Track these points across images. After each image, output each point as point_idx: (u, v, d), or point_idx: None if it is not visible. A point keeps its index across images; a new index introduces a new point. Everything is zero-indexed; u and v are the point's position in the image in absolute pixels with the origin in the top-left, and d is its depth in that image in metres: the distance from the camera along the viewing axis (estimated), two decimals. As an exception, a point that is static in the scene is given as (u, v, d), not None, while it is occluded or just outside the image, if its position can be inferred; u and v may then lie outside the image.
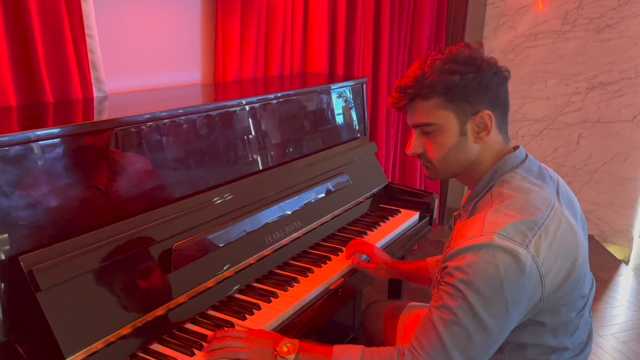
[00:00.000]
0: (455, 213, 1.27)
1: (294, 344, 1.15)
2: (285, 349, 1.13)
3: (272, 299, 1.43)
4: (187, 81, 1.95)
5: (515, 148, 1.17)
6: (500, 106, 1.14)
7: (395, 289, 2.13)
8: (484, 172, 1.15)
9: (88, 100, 1.52)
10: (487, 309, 1.00)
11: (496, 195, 1.10)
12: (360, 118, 2.23)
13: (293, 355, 1.12)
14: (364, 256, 1.66)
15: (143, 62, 1.79)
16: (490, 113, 1.11)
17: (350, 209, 1.98)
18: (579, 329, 1.14)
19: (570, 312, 1.10)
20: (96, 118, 1.36)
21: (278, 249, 1.63)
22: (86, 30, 1.46)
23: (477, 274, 1.00)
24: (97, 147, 1.26)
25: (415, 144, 1.19)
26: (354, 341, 2.26)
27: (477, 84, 1.10)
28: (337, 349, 1.14)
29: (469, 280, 1.01)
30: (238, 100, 1.67)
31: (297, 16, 2.26)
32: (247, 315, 1.35)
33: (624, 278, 3.26)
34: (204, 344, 1.22)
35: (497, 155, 1.15)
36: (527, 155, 1.18)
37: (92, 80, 1.52)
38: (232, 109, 1.64)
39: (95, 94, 1.55)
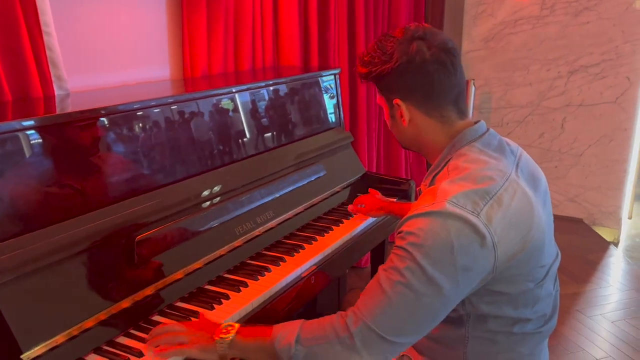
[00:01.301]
0: (417, 188, 1.26)
1: (233, 326, 1.14)
2: (223, 330, 1.13)
3: (241, 288, 1.42)
4: (155, 77, 1.94)
5: (477, 122, 1.16)
6: (420, 93, 1.12)
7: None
8: (441, 146, 1.15)
9: (49, 98, 1.51)
10: (436, 271, 0.98)
11: (452, 168, 1.09)
12: (335, 108, 2.22)
13: (231, 335, 1.11)
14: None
15: (108, 60, 1.78)
16: (399, 101, 1.13)
17: (326, 198, 1.96)
18: (541, 300, 1.12)
19: (529, 282, 1.08)
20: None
21: (250, 239, 1.62)
22: (43, 28, 1.45)
23: (428, 238, 0.99)
24: (56, 140, 1.25)
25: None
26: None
27: (386, 74, 1.12)
28: (277, 326, 1.12)
29: (420, 242, 0.99)
30: (207, 92, 1.67)
31: (267, 9, 2.25)
32: (215, 305, 1.34)
33: (614, 259, 3.26)
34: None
35: (444, 133, 1.14)
36: (488, 129, 1.17)
37: (53, 78, 1.51)
38: (201, 101, 1.63)
39: (57, 91, 1.54)
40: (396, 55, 1.09)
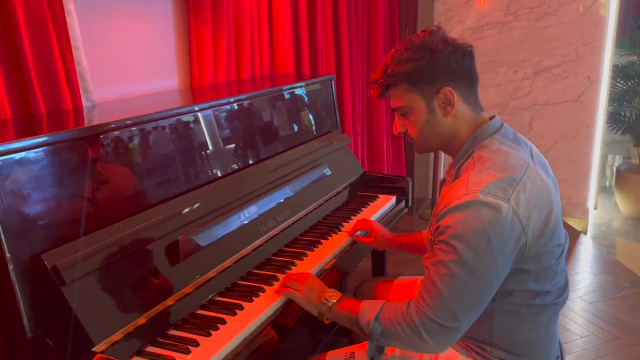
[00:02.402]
0: (440, 179, 1.39)
1: (337, 293, 1.36)
2: (329, 295, 1.36)
3: (274, 282, 1.51)
4: (167, 88, 2.02)
5: (492, 118, 1.31)
6: (463, 80, 1.26)
7: (379, 268, 2.24)
8: (464, 140, 1.28)
9: (79, 109, 1.58)
10: (477, 259, 1.11)
11: (477, 159, 1.22)
12: (332, 112, 2.34)
13: (335, 301, 1.34)
14: (359, 232, 1.83)
15: (124, 72, 1.85)
16: (451, 89, 1.24)
17: (331, 198, 2.08)
18: (558, 275, 1.27)
19: (550, 259, 1.23)
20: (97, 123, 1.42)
21: (270, 238, 1.71)
22: (72, 43, 1.52)
23: (466, 229, 1.12)
24: (103, 150, 1.32)
25: (398, 125, 1.35)
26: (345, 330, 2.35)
27: (434, 65, 1.23)
28: (364, 303, 1.30)
29: (459, 234, 1.12)
30: (226, 99, 1.77)
31: (263, 22, 2.37)
32: (253, 298, 1.43)
33: (584, 247, 3.49)
34: (219, 325, 1.30)
35: (471, 125, 1.28)
36: (502, 124, 1.31)
37: (81, 91, 1.57)
38: (219, 109, 1.72)
39: (84, 103, 1.60)
40: (440, 47, 1.22)
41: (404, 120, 1.32)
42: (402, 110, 1.30)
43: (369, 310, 1.27)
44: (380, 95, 1.33)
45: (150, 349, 1.23)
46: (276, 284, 1.51)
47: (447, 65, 1.23)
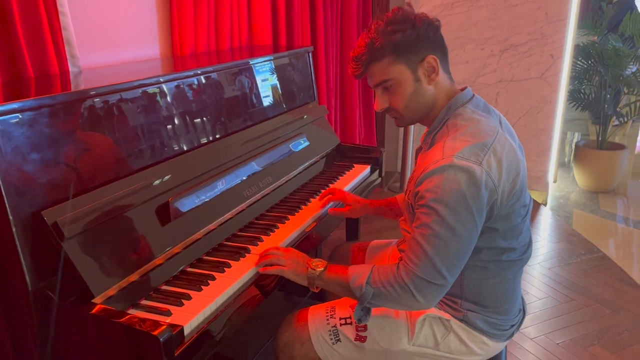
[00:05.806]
0: (417, 147, 1.48)
1: (322, 262, 1.41)
2: (315, 264, 1.40)
3: (258, 242, 1.59)
4: (149, 56, 2.04)
5: (464, 88, 1.40)
6: (440, 50, 1.36)
7: (352, 233, 2.35)
8: (440, 109, 1.37)
9: (66, 74, 1.60)
10: (457, 219, 1.21)
11: (451, 127, 1.32)
12: (310, 84, 2.40)
13: (321, 269, 1.39)
14: (332, 203, 1.87)
15: (107, 39, 1.87)
16: (434, 56, 1.33)
17: (309, 167, 2.16)
18: (523, 233, 1.39)
19: (517, 218, 1.34)
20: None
21: (253, 203, 1.78)
22: (59, 8, 1.54)
23: (444, 192, 1.21)
24: (99, 114, 1.36)
25: (380, 101, 1.39)
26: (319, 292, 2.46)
27: (416, 37, 1.32)
28: (352, 268, 1.36)
29: (439, 197, 1.22)
30: (223, 65, 1.83)
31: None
32: (240, 258, 1.51)
33: (544, 217, 3.68)
34: (209, 281, 1.38)
35: (447, 93, 1.37)
36: (474, 94, 1.41)
37: (67, 56, 1.59)
38: (211, 76, 1.77)
39: (71, 68, 1.63)
40: (418, 19, 1.31)
41: (388, 95, 1.37)
42: (387, 83, 1.35)
43: (359, 275, 1.33)
44: (361, 73, 1.37)
45: (145, 302, 1.30)
46: (260, 244, 1.59)
47: (427, 35, 1.32)
